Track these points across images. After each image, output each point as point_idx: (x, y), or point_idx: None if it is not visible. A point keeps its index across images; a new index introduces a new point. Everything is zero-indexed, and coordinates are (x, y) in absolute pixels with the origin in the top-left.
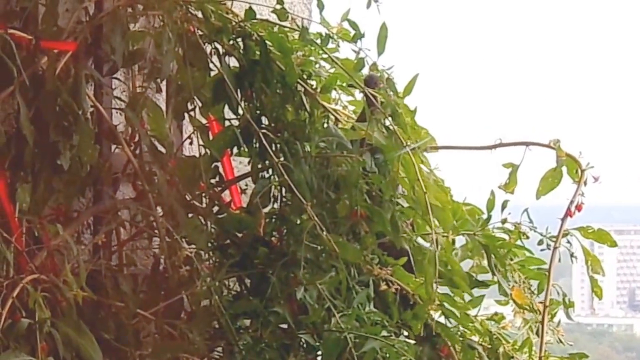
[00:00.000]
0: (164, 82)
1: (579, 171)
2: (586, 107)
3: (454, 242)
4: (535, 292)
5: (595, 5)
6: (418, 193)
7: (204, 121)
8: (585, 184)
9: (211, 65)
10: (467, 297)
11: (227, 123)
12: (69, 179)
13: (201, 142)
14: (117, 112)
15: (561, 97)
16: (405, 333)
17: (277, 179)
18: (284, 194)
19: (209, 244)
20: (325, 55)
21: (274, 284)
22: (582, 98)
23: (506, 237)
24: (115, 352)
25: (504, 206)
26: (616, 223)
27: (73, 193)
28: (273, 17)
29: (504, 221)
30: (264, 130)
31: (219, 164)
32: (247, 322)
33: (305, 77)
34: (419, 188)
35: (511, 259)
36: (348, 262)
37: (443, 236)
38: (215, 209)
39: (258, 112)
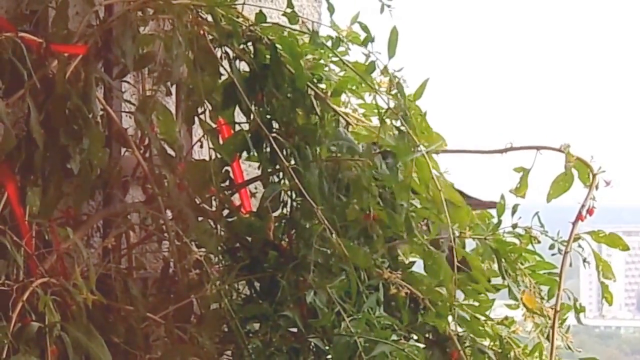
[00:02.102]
0: (174, 86)
1: (591, 175)
2: (596, 108)
3: (464, 246)
4: (546, 297)
5: (610, 9)
6: (433, 192)
7: (214, 125)
8: (596, 187)
9: (221, 69)
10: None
11: (237, 127)
12: (79, 183)
13: (211, 146)
14: (127, 116)
15: (571, 99)
16: (415, 337)
17: (287, 183)
18: (294, 197)
19: (219, 248)
20: (335, 59)
21: (283, 288)
22: (591, 100)
23: (517, 241)
24: (124, 355)
25: (514, 210)
26: (625, 224)
27: (83, 196)
28: (283, 21)
29: (514, 226)
30: (274, 134)
31: (229, 167)
32: (257, 325)
33: (315, 80)
34: (433, 187)
35: (522, 264)
36: (358, 266)
37: (460, 233)
38: (225, 212)
39: (268, 116)
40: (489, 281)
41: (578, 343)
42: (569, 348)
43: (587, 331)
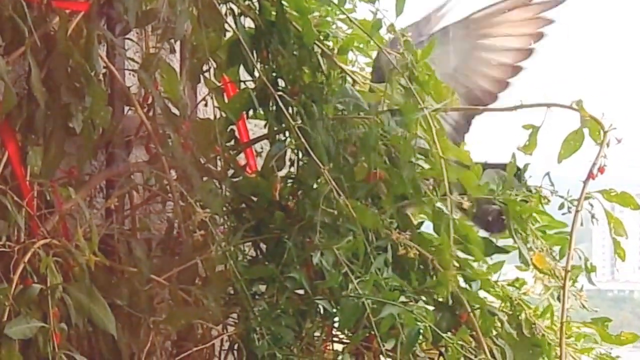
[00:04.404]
0: (178, 43)
1: (602, 132)
2: (607, 69)
3: (472, 206)
4: (557, 257)
5: None
6: (434, 154)
7: (218, 83)
8: (607, 145)
9: (226, 26)
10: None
11: (242, 85)
12: (81, 142)
13: (216, 104)
14: (130, 74)
15: (583, 57)
16: (424, 299)
17: (293, 142)
18: (300, 157)
19: (224, 208)
20: (342, 16)
21: (290, 249)
22: (603, 59)
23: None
24: (128, 318)
25: (525, 169)
26: (638, 186)
27: (85, 156)
28: None
29: (524, 184)
30: (280, 93)
31: (234, 126)
32: (263, 287)
33: (322, 38)
34: (434, 149)
35: (532, 224)
36: (366, 227)
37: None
38: (230, 172)
39: (274, 74)
40: (495, 248)
41: (591, 307)
42: (583, 307)
43: (600, 295)
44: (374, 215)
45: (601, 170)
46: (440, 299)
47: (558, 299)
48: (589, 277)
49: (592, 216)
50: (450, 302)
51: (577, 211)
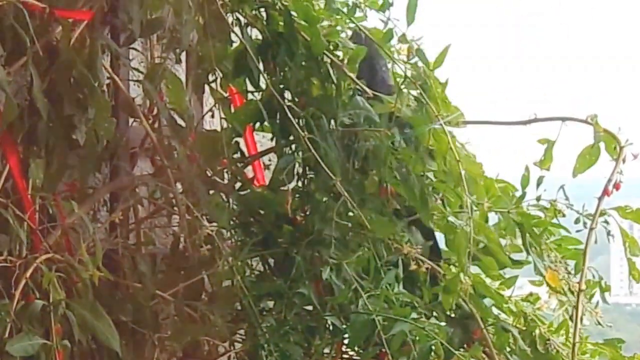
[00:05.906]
0: (184, 53)
1: (618, 147)
2: (623, 78)
3: (487, 219)
4: (572, 272)
5: None
6: (451, 164)
7: (225, 94)
8: (624, 161)
9: (233, 36)
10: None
11: (250, 96)
12: (85, 154)
13: (223, 115)
14: (134, 84)
15: (598, 68)
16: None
17: (301, 155)
18: (308, 170)
19: (231, 222)
20: (352, 25)
21: (298, 264)
22: (619, 69)
23: (541, 214)
24: (132, 334)
25: (539, 182)
26: None
27: (89, 169)
28: None
29: (538, 198)
30: (288, 104)
31: (241, 138)
32: (271, 303)
33: (331, 48)
34: (451, 158)
35: (547, 238)
36: (376, 241)
37: (477, 205)
38: (238, 185)
39: (282, 85)
40: (509, 262)
41: (609, 321)
42: (599, 324)
43: (618, 309)
44: (388, 225)
45: (617, 186)
46: (452, 315)
47: (571, 318)
48: (603, 296)
49: (608, 233)
50: (462, 317)
51: (591, 229)
